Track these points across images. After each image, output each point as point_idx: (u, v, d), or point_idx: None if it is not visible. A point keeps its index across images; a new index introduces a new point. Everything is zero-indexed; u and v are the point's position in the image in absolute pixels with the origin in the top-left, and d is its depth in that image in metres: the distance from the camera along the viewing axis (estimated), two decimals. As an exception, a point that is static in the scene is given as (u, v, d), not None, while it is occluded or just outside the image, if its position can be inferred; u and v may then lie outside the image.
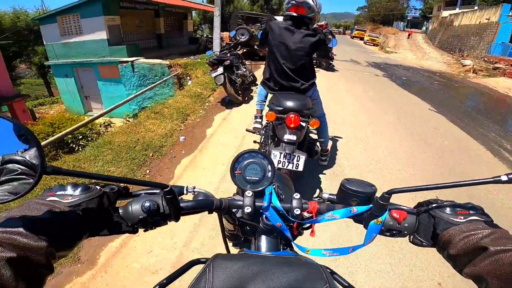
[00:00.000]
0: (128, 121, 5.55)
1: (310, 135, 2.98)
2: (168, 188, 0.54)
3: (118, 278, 2.06)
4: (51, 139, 4.53)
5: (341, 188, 0.61)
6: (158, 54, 10.51)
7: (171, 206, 0.57)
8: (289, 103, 2.23)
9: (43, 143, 4.37)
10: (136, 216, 0.55)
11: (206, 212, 0.62)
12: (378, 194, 0.56)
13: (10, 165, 0.39)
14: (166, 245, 2.36)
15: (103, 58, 10.46)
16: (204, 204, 0.61)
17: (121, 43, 10.82)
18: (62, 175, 0.38)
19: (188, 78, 8.10)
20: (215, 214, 0.65)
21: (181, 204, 0.59)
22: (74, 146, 5.54)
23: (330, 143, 3.75)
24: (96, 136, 6.03)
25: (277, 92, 2.56)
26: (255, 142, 3.13)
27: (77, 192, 0.48)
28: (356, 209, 0.57)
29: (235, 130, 4.37)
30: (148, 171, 3.35)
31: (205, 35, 16.22)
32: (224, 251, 0.73)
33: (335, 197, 0.63)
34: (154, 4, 12.02)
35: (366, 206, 0.56)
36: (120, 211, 0.55)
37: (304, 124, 2.22)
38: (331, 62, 10.05)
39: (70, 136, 5.52)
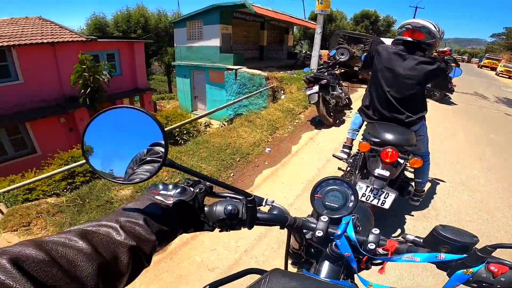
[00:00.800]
0: (224, 124, 6.17)
1: (405, 172, 2.67)
2: (251, 198, 0.59)
3: (179, 267, 2.30)
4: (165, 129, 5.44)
5: (432, 233, 0.57)
6: (258, 65, 11.27)
7: (249, 214, 0.61)
8: (389, 136, 2.06)
9: None
10: (217, 216, 0.61)
11: (278, 226, 0.65)
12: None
13: (156, 148, 0.48)
14: (229, 246, 2.51)
15: (214, 64, 11.87)
16: (279, 218, 0.65)
17: (230, 51, 12.03)
18: (175, 168, 0.47)
19: (282, 92, 8.41)
20: (283, 230, 0.68)
21: (258, 215, 0.63)
22: (178, 139, 6.51)
23: (428, 184, 3.27)
24: (196, 133, 6.92)
25: (376, 121, 2.39)
26: (339, 169, 3.01)
27: (177, 193, 0.56)
28: (444, 256, 0.54)
29: (320, 151, 4.31)
30: (232, 174, 3.64)
31: (303, 51, 16.55)
32: (282, 266, 0.75)
33: (421, 240, 0.60)
34: (261, 17, 12.88)
35: (458, 255, 0.53)
36: (205, 209, 0.62)
37: (401, 161, 2.02)
38: (448, 93, 8.70)
39: (177, 130, 6.52)
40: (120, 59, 11.61)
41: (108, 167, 0.50)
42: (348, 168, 2.74)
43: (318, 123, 5.36)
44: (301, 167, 3.84)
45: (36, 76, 9.15)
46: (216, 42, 11.76)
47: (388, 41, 2.63)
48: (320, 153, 4.23)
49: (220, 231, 0.64)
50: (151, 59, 23.90)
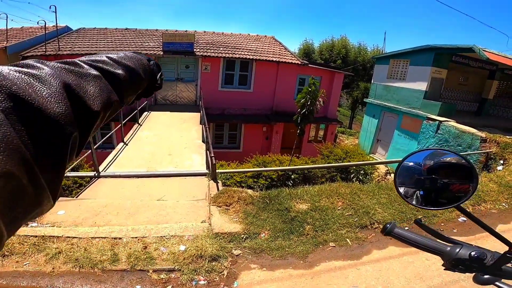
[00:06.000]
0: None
1: None
2: None
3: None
4: (343, 164, 5.87)
5: None
6: (473, 121, 9.43)
7: (498, 264, 0.68)
8: None
9: (326, 164, 5.57)
10: (458, 256, 0.72)
11: None
12: None
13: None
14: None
15: (411, 109, 11.02)
16: None
17: (438, 99, 10.73)
18: (466, 215, 0.70)
19: (501, 161, 6.75)
20: None
21: (503, 267, 0.69)
22: (352, 176, 6.72)
23: None
24: (370, 177, 6.86)
25: None
26: None
27: None
28: None
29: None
30: (406, 228, 3.48)
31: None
32: None
33: None
34: (493, 64, 10.69)
35: None
36: (447, 249, 0.76)
37: None
38: None
39: (354, 167, 6.76)
40: (321, 86, 13.20)
41: (410, 195, 0.84)
42: None
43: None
44: (504, 249, 3.09)
45: (261, 88, 12.24)
46: (421, 86, 10.93)
47: None
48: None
49: (445, 269, 0.77)
50: (342, 91, 24.93)
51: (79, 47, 10.82)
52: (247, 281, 2.67)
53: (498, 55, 9.30)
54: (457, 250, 0.75)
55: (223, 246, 3.00)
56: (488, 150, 7.19)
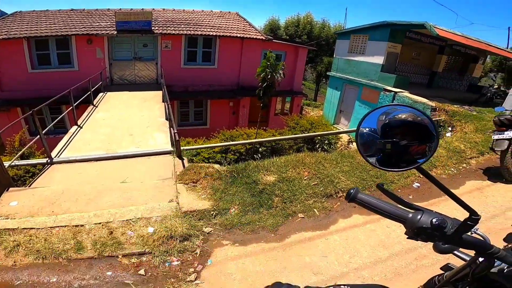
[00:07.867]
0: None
1: None
2: (478, 218, 0.64)
3: (287, 260, 2.61)
4: (308, 134, 5.95)
5: None
6: (424, 92, 10.04)
7: (458, 232, 0.65)
8: None
9: (291, 135, 5.67)
10: (419, 224, 0.69)
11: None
12: None
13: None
14: (342, 259, 2.64)
15: (370, 81, 11.54)
16: (484, 245, 0.70)
17: (393, 72, 11.34)
18: (424, 175, 0.64)
19: (450, 129, 7.30)
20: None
21: (463, 236, 0.68)
22: (317, 146, 6.89)
23: None
24: (334, 146, 7.08)
25: None
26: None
27: None
28: None
29: (486, 205, 3.65)
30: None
31: (494, 86, 13.33)
32: None
33: None
34: (442, 40, 11.39)
35: None
36: (409, 215, 0.74)
37: None
38: None
39: (319, 138, 6.92)
40: (286, 60, 13.15)
41: (371, 156, 0.77)
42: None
43: (494, 175, 4.43)
44: (455, 214, 3.38)
45: (225, 64, 11.93)
46: (378, 60, 11.42)
47: None
48: (485, 206, 3.59)
49: (408, 237, 0.74)
50: (306, 65, 25.37)
51: (17, 31, 9.50)
52: (220, 258, 2.65)
53: (447, 31, 9.86)
54: (419, 217, 0.71)
55: (194, 225, 2.93)
56: (438, 118, 7.72)
